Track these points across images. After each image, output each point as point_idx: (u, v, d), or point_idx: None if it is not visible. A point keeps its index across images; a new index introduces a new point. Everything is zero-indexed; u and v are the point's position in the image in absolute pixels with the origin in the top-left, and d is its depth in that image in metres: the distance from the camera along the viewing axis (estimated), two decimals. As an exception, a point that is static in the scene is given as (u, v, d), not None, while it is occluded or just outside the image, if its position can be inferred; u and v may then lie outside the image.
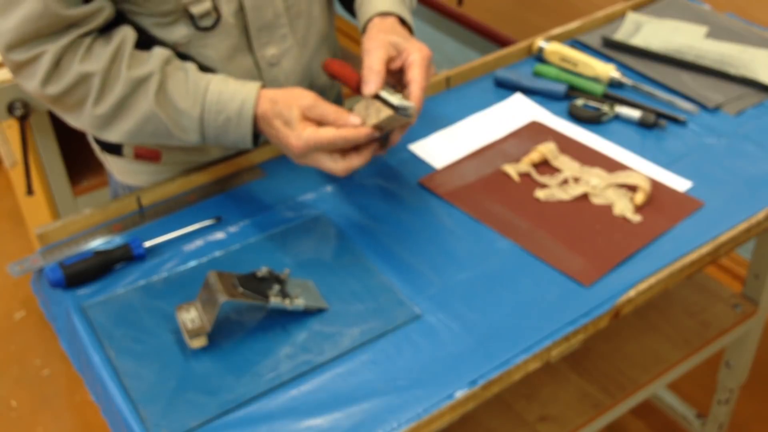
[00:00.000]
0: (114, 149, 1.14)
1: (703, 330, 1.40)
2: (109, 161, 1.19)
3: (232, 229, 1.06)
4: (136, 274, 0.99)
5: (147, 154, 1.13)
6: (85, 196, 1.93)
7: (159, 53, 0.98)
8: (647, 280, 0.98)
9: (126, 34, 0.98)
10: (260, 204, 1.10)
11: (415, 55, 0.98)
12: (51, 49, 0.93)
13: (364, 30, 1.06)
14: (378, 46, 0.98)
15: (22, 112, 1.65)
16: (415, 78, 0.97)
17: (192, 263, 1.00)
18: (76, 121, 1.01)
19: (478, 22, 2.69)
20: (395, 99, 0.94)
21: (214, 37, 1.03)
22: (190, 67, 1.00)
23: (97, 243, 1.03)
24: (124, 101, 0.97)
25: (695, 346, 1.37)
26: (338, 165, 0.95)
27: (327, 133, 0.94)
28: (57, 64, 0.94)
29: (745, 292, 1.47)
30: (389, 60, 0.99)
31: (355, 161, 0.96)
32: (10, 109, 1.65)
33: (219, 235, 1.05)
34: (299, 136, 0.94)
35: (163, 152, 1.13)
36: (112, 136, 1.00)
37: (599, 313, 0.94)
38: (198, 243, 1.04)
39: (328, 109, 0.95)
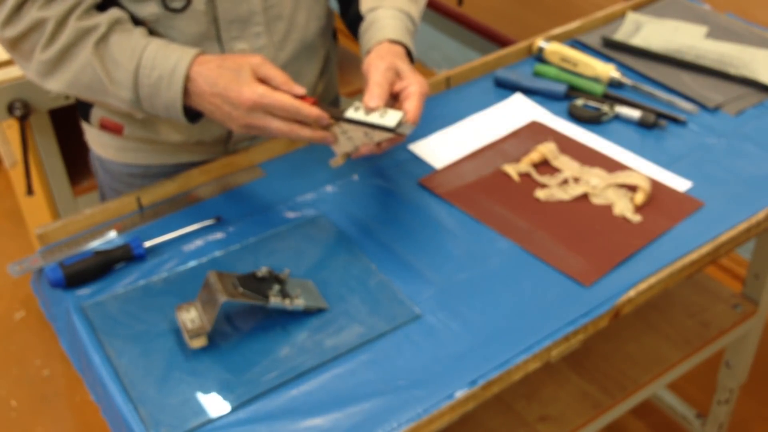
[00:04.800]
0: (85, 116, 1.16)
1: (703, 330, 1.40)
2: (85, 129, 1.22)
3: (232, 229, 1.06)
4: (136, 274, 0.99)
5: (110, 126, 1.14)
6: (85, 196, 1.93)
7: (112, 11, 0.99)
8: (647, 280, 0.98)
9: None
10: (260, 204, 1.10)
11: (414, 88, 0.99)
12: None
13: (369, 51, 1.05)
14: (387, 66, 0.99)
15: (22, 112, 1.65)
16: (410, 109, 0.98)
17: (192, 263, 1.00)
18: (28, 69, 1.02)
19: (478, 22, 2.69)
20: (389, 120, 0.95)
21: (183, 20, 1.03)
22: (138, 29, 1.00)
23: (97, 243, 1.03)
24: (68, 49, 0.97)
25: (695, 346, 1.37)
26: (286, 127, 0.94)
27: (283, 98, 0.93)
28: (18, 8, 0.96)
29: (745, 292, 1.47)
30: (392, 82, 1.00)
31: (305, 131, 0.95)
32: (10, 109, 1.65)
33: (219, 235, 1.05)
34: (254, 90, 0.93)
35: (125, 125, 1.13)
36: (53, 84, 1.00)
37: (599, 313, 0.94)
38: (198, 243, 1.04)
39: (275, 72, 0.95)
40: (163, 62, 0.96)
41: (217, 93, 0.95)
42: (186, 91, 0.97)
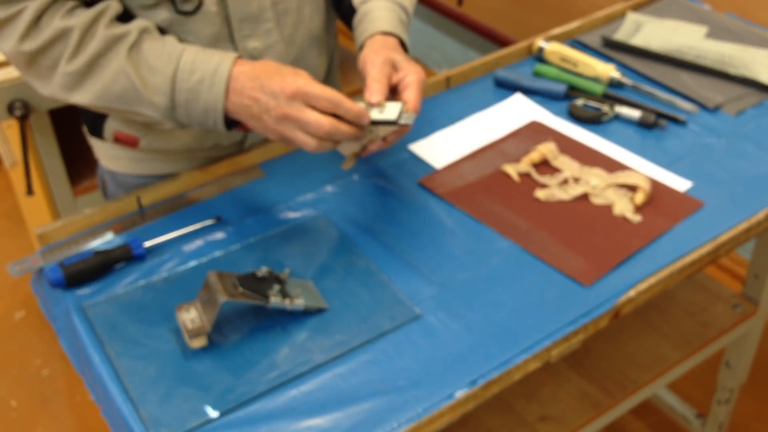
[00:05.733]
0: (97, 132, 1.15)
1: (703, 330, 1.40)
2: (94, 145, 1.20)
3: (232, 229, 1.06)
4: (136, 274, 0.99)
5: (126, 139, 1.12)
6: (85, 196, 1.93)
7: (140, 21, 0.98)
8: (647, 280, 0.98)
9: (110, 3, 0.97)
10: (260, 204, 1.10)
11: (412, 77, 0.99)
12: (32, 5, 0.92)
13: (362, 45, 1.05)
14: (383, 61, 0.99)
15: (22, 112, 1.65)
16: (410, 99, 0.98)
17: (192, 263, 1.00)
18: (46, 86, 0.98)
19: (478, 22, 2.69)
20: (389, 113, 0.95)
21: (196, 23, 1.03)
22: (169, 36, 0.99)
23: (97, 243, 1.03)
24: (98, 58, 0.95)
25: (695, 346, 1.37)
26: (326, 119, 0.91)
27: (325, 88, 0.91)
28: (37, 20, 0.93)
29: (745, 292, 1.47)
30: (389, 75, 1.00)
31: (344, 126, 0.92)
32: (10, 109, 1.65)
33: (219, 235, 1.05)
34: (296, 78, 0.91)
35: (141, 137, 1.13)
36: (80, 96, 0.98)
37: (599, 313, 0.94)
38: (198, 243, 1.04)
39: (316, 82, 0.93)
40: (203, 65, 0.95)
41: (258, 86, 0.93)
42: (226, 91, 0.95)
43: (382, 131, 0.96)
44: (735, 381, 1.59)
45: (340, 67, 1.33)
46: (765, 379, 1.95)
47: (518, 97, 1.30)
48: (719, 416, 1.66)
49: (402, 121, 0.95)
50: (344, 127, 0.92)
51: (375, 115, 0.95)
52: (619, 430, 1.85)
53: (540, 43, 1.38)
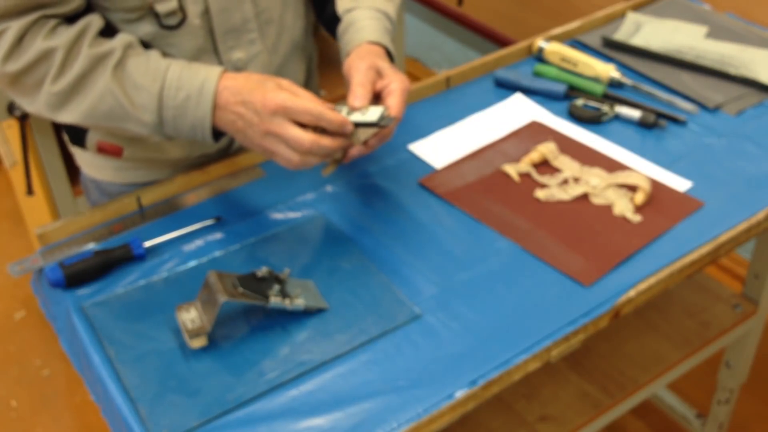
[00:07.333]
0: (79, 141, 1.14)
1: (703, 330, 1.40)
2: (76, 154, 1.19)
3: (232, 229, 1.06)
4: (136, 274, 0.99)
5: (109, 149, 1.12)
6: (84, 196, 1.93)
7: (123, 36, 0.97)
8: (647, 280, 0.98)
9: (92, 19, 0.96)
10: (260, 204, 1.10)
11: (396, 85, 0.99)
12: (14, 26, 0.92)
13: (348, 53, 1.05)
14: (368, 66, 1.00)
15: (22, 112, 1.65)
16: (392, 105, 0.98)
17: (192, 263, 1.01)
18: (31, 104, 0.98)
19: (478, 22, 2.69)
20: (371, 115, 0.96)
21: (180, 36, 1.03)
22: (153, 51, 0.98)
23: (97, 243, 1.03)
24: (83, 78, 0.94)
25: (695, 346, 1.37)
26: (306, 135, 0.91)
27: (306, 102, 0.91)
28: (20, 41, 0.93)
29: (745, 292, 1.48)
30: (373, 81, 1.00)
31: (325, 140, 0.92)
32: (10, 109, 1.65)
33: (219, 235, 1.05)
34: (277, 94, 0.91)
35: (125, 147, 1.12)
36: (67, 116, 0.97)
37: (599, 313, 0.94)
38: (198, 243, 1.04)
39: (302, 90, 0.94)
40: (189, 82, 0.94)
41: (241, 101, 0.93)
42: (213, 108, 0.95)
43: (363, 135, 0.96)
44: (735, 381, 1.59)
45: (324, 69, 1.33)
46: (765, 379, 1.95)
47: (518, 97, 1.30)
48: (719, 416, 1.66)
49: (383, 123, 0.95)
50: (326, 142, 0.92)
51: (356, 117, 0.95)
52: (619, 430, 1.85)
53: (540, 43, 1.38)
